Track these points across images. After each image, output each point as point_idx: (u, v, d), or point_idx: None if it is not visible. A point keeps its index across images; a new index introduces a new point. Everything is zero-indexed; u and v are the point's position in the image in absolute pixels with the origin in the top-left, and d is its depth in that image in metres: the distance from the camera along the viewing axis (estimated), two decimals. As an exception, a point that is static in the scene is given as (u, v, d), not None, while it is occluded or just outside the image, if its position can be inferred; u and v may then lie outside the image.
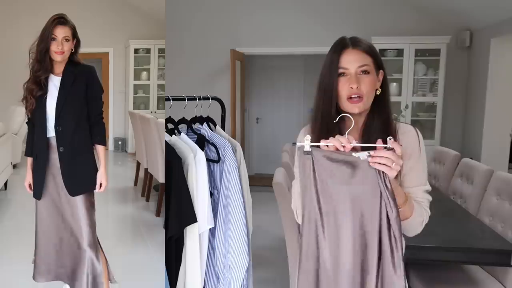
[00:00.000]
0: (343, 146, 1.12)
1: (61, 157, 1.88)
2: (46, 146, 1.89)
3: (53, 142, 1.89)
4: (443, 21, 5.45)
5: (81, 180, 1.92)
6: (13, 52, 6.94)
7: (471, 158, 3.39)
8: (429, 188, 1.31)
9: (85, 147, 1.94)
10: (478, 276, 2.35)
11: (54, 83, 1.90)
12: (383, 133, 1.23)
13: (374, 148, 1.13)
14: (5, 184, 4.61)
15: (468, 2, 4.69)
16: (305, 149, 1.16)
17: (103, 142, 2.00)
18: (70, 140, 1.88)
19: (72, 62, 1.93)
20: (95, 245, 1.98)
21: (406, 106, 5.17)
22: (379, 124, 1.27)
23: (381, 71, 1.29)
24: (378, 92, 1.28)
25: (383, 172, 1.11)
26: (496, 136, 4.97)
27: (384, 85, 1.30)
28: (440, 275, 2.33)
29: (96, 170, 1.96)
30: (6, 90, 6.62)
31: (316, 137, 1.21)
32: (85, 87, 1.92)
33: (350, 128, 1.21)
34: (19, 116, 5.63)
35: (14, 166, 5.23)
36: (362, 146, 1.14)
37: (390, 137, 1.12)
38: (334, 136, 1.16)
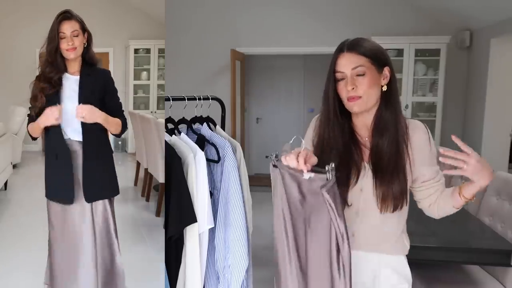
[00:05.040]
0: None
1: (84, 161, 1.82)
2: (67, 148, 1.81)
3: (73, 144, 1.83)
4: (443, 21, 5.45)
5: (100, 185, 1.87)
6: (13, 53, 6.95)
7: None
8: (439, 172, 1.37)
9: (105, 151, 1.91)
10: (478, 276, 2.35)
11: (71, 83, 1.82)
12: (392, 129, 1.31)
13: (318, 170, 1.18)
14: (5, 184, 4.61)
15: (468, 2, 4.69)
16: (272, 164, 1.25)
17: (123, 120, 1.93)
18: (92, 142, 1.83)
19: (87, 62, 1.86)
20: None
21: (406, 106, 5.17)
22: (387, 120, 1.32)
23: (386, 67, 1.32)
24: (384, 89, 1.32)
25: (332, 202, 1.15)
26: (496, 136, 4.96)
27: (391, 82, 1.33)
28: (440, 275, 2.33)
29: (116, 176, 1.93)
30: (6, 90, 6.65)
31: (321, 134, 1.36)
32: (103, 89, 1.87)
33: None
34: (19, 116, 5.63)
35: (14, 166, 5.23)
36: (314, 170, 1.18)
37: (329, 165, 1.14)
38: (336, 133, 1.33)
